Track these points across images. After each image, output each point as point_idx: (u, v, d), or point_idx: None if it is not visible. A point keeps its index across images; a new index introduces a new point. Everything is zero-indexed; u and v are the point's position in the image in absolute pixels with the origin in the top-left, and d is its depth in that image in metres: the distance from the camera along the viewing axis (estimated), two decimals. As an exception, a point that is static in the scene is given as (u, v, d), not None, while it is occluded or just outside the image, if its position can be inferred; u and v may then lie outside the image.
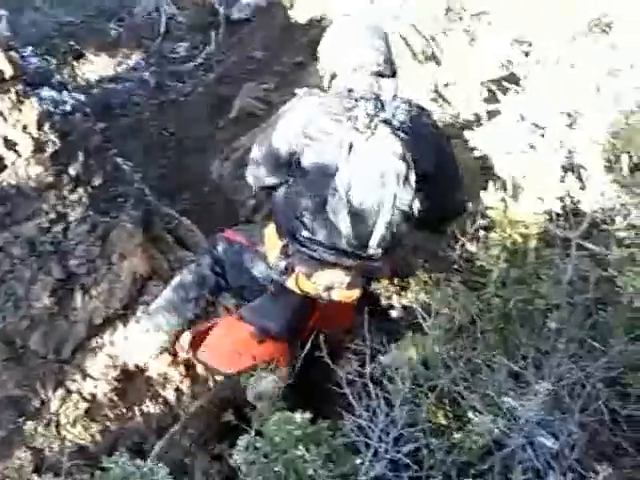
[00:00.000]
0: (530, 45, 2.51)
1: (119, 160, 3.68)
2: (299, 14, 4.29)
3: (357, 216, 2.47)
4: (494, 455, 2.13)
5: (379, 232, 2.48)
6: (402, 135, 2.42)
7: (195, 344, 2.87)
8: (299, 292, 2.69)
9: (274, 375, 2.60)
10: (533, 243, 2.37)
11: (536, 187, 2.30)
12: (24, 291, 2.90)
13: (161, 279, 3.36)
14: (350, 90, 2.55)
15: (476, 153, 2.59)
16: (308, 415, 2.10)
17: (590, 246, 2.39)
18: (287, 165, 2.65)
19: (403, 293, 2.78)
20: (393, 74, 2.73)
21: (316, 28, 4.25)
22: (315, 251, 2.57)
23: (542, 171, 2.33)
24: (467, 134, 2.67)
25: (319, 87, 2.77)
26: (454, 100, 2.88)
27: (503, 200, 2.36)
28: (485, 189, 2.61)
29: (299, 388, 2.58)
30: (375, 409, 2.13)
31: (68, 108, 3.31)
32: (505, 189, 2.37)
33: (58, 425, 2.78)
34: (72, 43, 6.39)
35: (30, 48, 3.49)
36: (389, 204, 2.42)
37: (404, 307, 2.80)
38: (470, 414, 2.14)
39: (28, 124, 3.08)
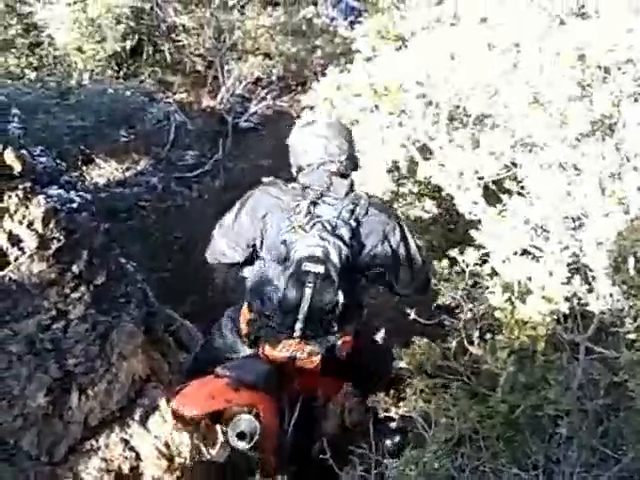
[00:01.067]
0: (532, 149, 2.54)
1: (123, 260, 3.67)
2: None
3: (285, 306, 2.83)
4: None
5: (300, 323, 2.81)
6: (343, 233, 2.76)
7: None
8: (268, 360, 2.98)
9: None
10: (541, 345, 2.32)
11: (543, 288, 2.28)
12: (20, 389, 2.82)
13: (160, 382, 3.29)
14: (305, 187, 2.90)
15: (480, 254, 2.58)
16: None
17: (599, 349, 2.34)
18: (246, 246, 3.01)
19: (401, 403, 2.73)
20: (354, 167, 3.11)
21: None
22: (277, 325, 2.91)
23: (548, 272, 2.31)
24: (471, 235, 2.67)
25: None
26: (458, 202, 2.89)
27: (510, 301, 2.34)
28: (492, 292, 2.60)
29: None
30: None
31: (74, 206, 3.33)
32: (512, 290, 2.35)
33: (47, 531, 2.66)
34: (82, 147, 6.53)
35: (40, 147, 3.54)
36: (306, 302, 2.77)
37: (403, 417, 2.74)
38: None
39: (34, 221, 3.09)
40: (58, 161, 4.16)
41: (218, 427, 2.89)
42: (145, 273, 4.37)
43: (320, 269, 2.72)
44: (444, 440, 2.32)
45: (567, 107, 2.33)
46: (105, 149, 6.85)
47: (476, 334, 2.55)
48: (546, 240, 2.45)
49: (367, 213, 2.85)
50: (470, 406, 2.38)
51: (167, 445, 3.05)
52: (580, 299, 2.34)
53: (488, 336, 2.47)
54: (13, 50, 7.25)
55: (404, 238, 2.92)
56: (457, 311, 2.80)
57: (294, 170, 3.15)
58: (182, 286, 5.13)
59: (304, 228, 2.76)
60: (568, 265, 2.36)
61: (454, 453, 2.35)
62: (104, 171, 6.76)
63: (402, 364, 2.79)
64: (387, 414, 2.71)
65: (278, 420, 2.95)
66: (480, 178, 2.72)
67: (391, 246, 2.89)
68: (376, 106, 3.31)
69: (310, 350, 2.91)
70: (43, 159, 3.47)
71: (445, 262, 2.90)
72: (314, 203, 2.82)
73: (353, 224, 2.80)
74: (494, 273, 2.68)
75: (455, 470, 2.28)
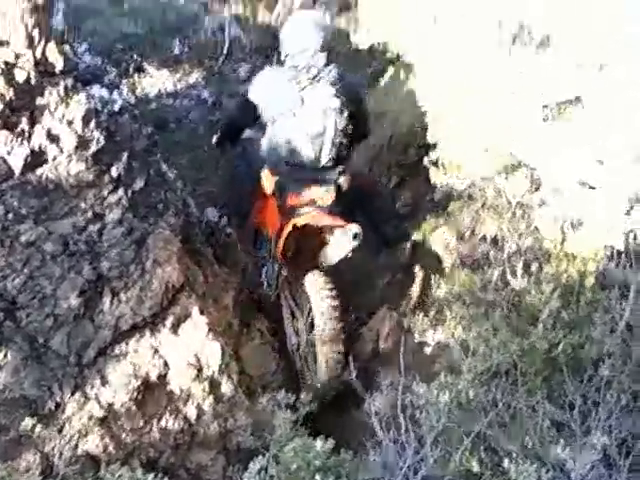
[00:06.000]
0: (601, 68, 2.35)
1: (164, 167, 3.59)
2: (362, 41, 4.43)
3: (313, 140, 3.70)
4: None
5: (327, 148, 3.75)
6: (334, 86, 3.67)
7: None
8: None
9: None
10: (590, 281, 2.20)
11: (598, 220, 2.14)
12: (52, 289, 2.81)
13: (194, 291, 3.24)
14: (296, 66, 3.75)
15: (529, 184, 2.45)
16: (330, 444, 1.94)
17: (651, 291, 2.21)
18: (254, 118, 3.83)
19: (439, 328, 2.65)
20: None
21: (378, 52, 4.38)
22: (298, 172, 3.70)
23: (605, 204, 2.16)
24: (522, 164, 2.52)
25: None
26: (515, 130, 2.73)
27: (561, 230, 2.21)
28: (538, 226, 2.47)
29: (322, 414, 2.44)
30: (404, 443, 1.96)
31: (116, 108, 3.25)
32: (564, 220, 2.22)
33: (71, 431, 2.66)
34: (134, 56, 6.43)
35: (85, 45, 3.44)
36: (331, 130, 3.70)
37: (439, 343, 2.66)
38: (506, 463, 1.96)
39: (73, 120, 3.02)
40: (109, 69, 4.05)
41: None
42: (191, 185, 4.32)
43: (337, 103, 3.66)
44: (480, 371, 2.23)
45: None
46: (157, 59, 6.75)
47: (520, 265, 2.43)
48: (606, 171, 2.29)
49: (344, 78, 3.78)
50: (511, 338, 2.27)
51: (196, 355, 3.03)
52: (636, 236, 2.20)
53: (533, 268, 2.35)
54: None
55: (363, 97, 4.13)
56: (501, 243, 2.69)
57: (283, 57, 3.89)
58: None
59: (312, 84, 3.65)
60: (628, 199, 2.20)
61: (489, 386, 2.27)
62: (155, 81, 6.66)
63: (440, 293, 2.71)
64: (423, 339, 2.63)
65: None
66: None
67: (356, 99, 3.88)
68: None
69: (326, 188, 3.65)
70: (87, 57, 3.38)
71: (491, 190, 2.78)
72: (309, 70, 3.68)
73: (338, 82, 3.71)
74: (544, 204, 2.55)
75: (488, 403, 2.19)
